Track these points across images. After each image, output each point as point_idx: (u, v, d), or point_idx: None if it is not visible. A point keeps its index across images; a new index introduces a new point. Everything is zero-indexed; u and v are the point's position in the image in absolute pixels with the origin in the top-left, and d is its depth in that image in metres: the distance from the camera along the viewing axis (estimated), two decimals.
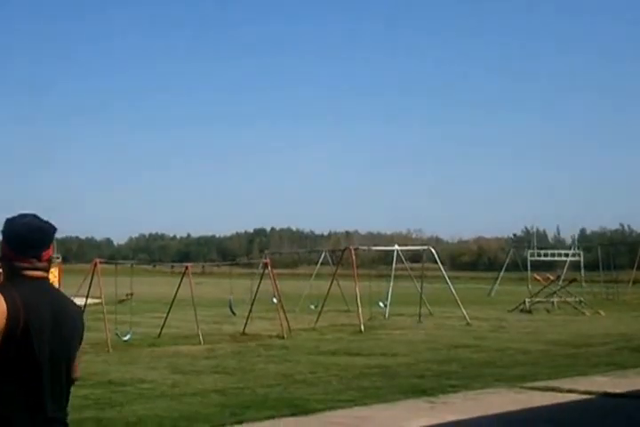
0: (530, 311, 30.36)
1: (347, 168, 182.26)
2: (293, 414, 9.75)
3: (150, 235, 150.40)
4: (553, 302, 32.27)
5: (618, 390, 11.50)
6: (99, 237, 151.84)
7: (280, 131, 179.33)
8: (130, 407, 10.24)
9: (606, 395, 11.23)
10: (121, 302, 25.16)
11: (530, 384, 12.21)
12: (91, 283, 19.93)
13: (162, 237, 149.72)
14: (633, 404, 10.71)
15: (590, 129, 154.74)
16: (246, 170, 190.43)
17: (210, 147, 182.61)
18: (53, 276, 38.57)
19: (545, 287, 33.74)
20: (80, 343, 3.47)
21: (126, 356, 16.84)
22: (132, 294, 25.63)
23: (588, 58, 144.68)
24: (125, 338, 19.36)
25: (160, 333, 20.91)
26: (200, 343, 18.96)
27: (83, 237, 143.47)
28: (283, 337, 20.44)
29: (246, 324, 21.84)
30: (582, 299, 32.48)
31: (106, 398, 11.04)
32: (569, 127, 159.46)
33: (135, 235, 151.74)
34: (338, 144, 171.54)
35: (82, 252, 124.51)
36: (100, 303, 20.30)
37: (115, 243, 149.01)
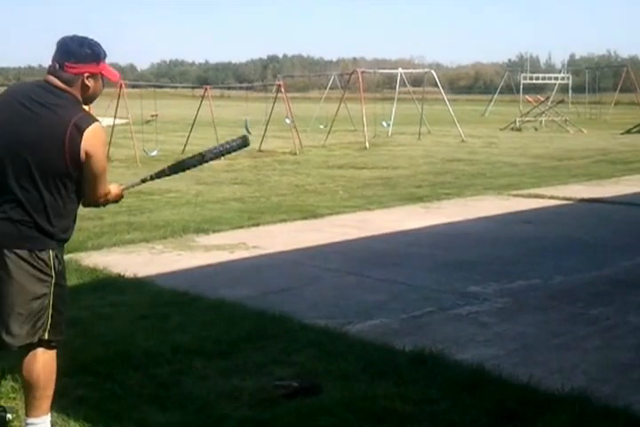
0: (519, 129, 30.26)
1: None
2: (304, 218, 9.96)
3: (171, 61, 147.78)
4: (541, 121, 32.12)
5: (594, 196, 11.68)
6: (122, 62, 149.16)
7: None
8: (158, 213, 10.42)
9: (583, 200, 11.41)
10: (147, 122, 25.10)
11: (515, 192, 12.38)
12: (117, 104, 19.79)
13: (182, 62, 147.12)
14: (606, 207, 10.89)
15: None
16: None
17: None
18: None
19: (534, 108, 33.38)
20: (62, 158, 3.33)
21: (154, 169, 16.85)
22: (156, 115, 25.52)
23: None
24: (152, 154, 19.46)
25: (184, 149, 20.98)
26: (219, 159, 19.06)
27: (107, 62, 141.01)
28: (295, 153, 20.51)
29: (262, 142, 21.85)
30: (567, 118, 32.28)
31: (136, 206, 11.19)
32: None
33: (157, 61, 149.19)
34: None
35: None
36: (128, 123, 20.26)
37: (138, 68, 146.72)
